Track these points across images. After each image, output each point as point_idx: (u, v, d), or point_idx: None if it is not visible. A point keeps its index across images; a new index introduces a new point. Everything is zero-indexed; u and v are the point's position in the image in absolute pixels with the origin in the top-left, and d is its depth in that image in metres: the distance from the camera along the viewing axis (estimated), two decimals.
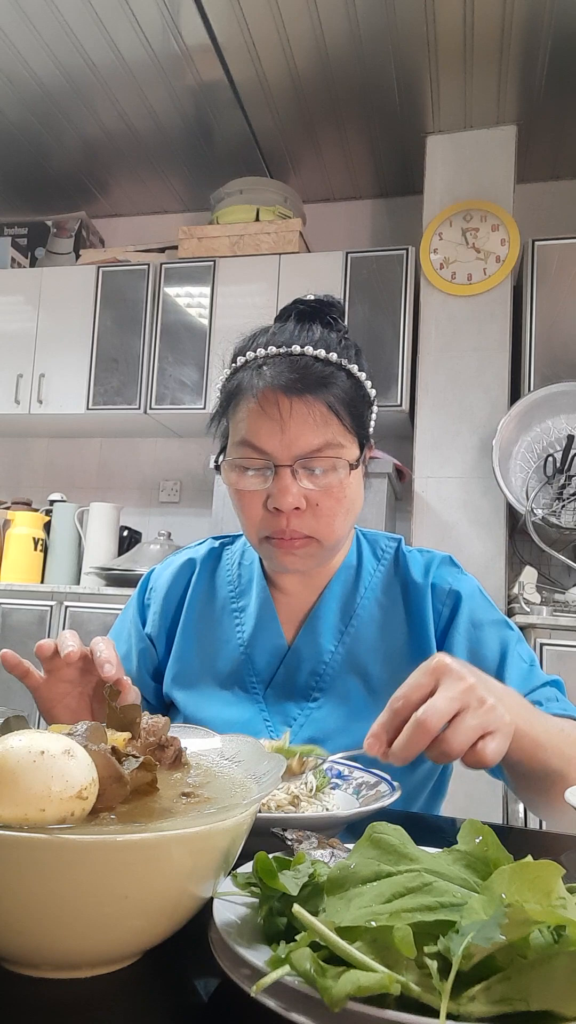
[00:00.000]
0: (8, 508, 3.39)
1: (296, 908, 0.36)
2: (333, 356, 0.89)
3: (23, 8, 2.75)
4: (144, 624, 1.07)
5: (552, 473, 2.86)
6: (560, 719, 0.83)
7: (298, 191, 3.60)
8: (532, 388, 2.93)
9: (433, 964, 0.33)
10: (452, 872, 0.39)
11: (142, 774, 0.44)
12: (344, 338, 0.93)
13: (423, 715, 0.63)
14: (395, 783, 0.71)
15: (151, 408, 3.35)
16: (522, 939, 0.33)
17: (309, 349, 0.89)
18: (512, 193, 3.08)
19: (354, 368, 0.91)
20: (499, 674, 0.91)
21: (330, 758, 0.75)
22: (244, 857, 0.45)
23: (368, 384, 0.93)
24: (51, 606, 3.05)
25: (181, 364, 3.34)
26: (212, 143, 3.45)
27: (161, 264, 3.44)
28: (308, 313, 0.95)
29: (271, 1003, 0.34)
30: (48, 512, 3.36)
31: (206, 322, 3.33)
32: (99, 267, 3.51)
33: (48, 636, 3.00)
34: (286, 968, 0.34)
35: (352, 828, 0.66)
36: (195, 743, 0.57)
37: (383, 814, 0.58)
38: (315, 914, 0.36)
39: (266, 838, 0.51)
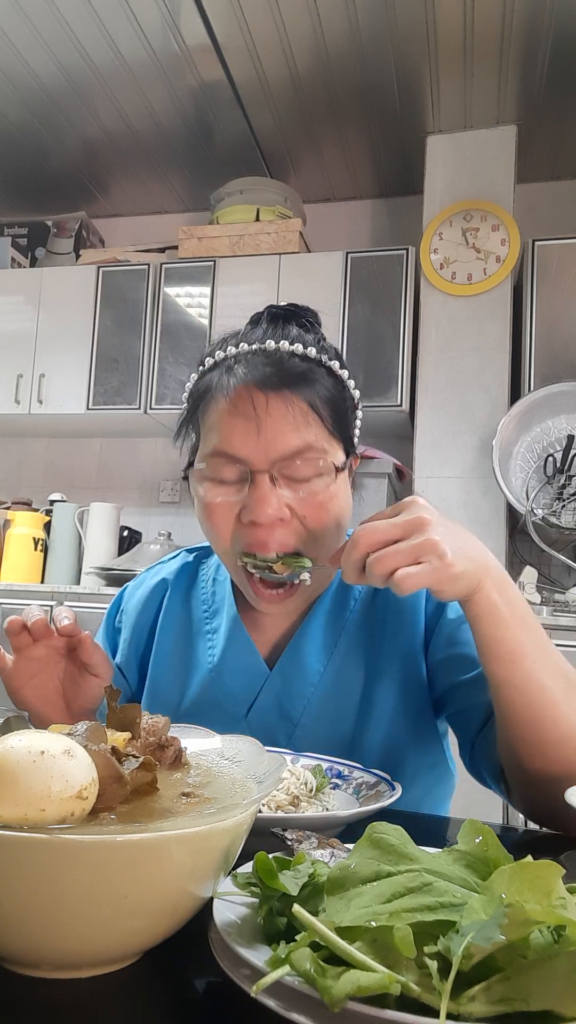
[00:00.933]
0: (8, 508, 3.39)
1: (296, 908, 0.36)
2: (312, 351, 0.81)
3: (23, 8, 2.75)
4: (114, 653, 1.00)
5: (552, 473, 2.86)
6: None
7: (298, 191, 3.60)
8: (532, 388, 2.93)
9: (433, 964, 0.33)
10: (452, 872, 0.39)
11: (142, 774, 0.44)
12: (322, 339, 0.86)
13: (358, 531, 0.65)
14: (395, 783, 0.71)
15: (151, 408, 3.35)
16: (522, 939, 0.33)
17: (285, 344, 0.81)
18: (512, 193, 3.08)
19: (335, 365, 0.83)
20: None
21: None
22: (244, 857, 0.44)
23: (351, 384, 0.86)
24: (51, 606, 3.05)
25: (181, 364, 3.34)
26: (212, 143, 3.45)
27: (161, 264, 3.44)
28: (282, 315, 0.87)
29: (271, 1003, 0.34)
30: (48, 512, 3.36)
31: (206, 322, 3.33)
32: (99, 267, 3.51)
33: None
34: (286, 968, 0.34)
35: (352, 828, 0.66)
36: (195, 743, 0.57)
37: (383, 814, 0.58)
38: (315, 914, 0.36)
39: (266, 838, 0.51)
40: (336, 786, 0.75)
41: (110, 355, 3.42)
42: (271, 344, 0.81)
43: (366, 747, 0.86)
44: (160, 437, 3.78)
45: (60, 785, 0.39)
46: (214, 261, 3.36)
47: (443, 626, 0.87)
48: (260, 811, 0.59)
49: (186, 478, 0.85)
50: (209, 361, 0.85)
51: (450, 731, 0.92)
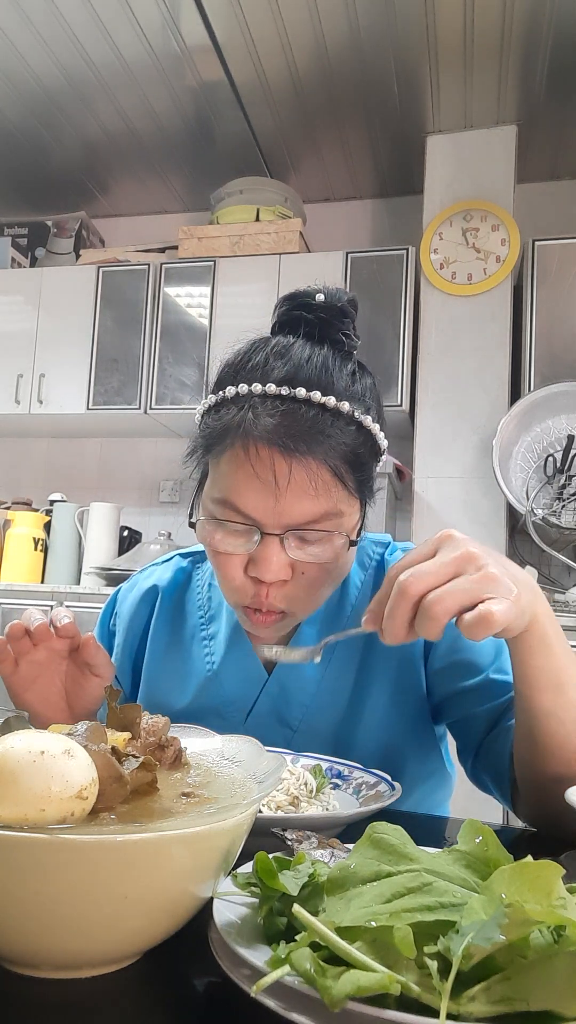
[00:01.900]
0: (8, 508, 3.39)
1: (296, 908, 0.36)
2: (345, 406, 0.74)
3: (23, 8, 2.75)
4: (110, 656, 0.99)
5: (552, 473, 2.86)
6: None
7: (298, 191, 3.60)
8: (532, 388, 2.93)
9: (433, 964, 0.33)
10: (452, 872, 0.39)
11: (142, 774, 0.44)
12: (358, 365, 0.79)
13: (405, 578, 0.56)
14: (395, 783, 0.71)
15: (151, 408, 3.35)
16: (522, 939, 0.33)
17: (317, 395, 0.73)
18: (512, 193, 3.08)
19: (368, 420, 0.76)
20: (496, 661, 0.84)
21: (329, 638, 0.72)
22: (244, 857, 0.44)
23: (381, 436, 0.79)
24: (51, 606, 3.05)
25: (181, 364, 3.34)
26: (212, 143, 3.45)
27: (161, 264, 3.44)
28: (318, 326, 0.78)
29: (271, 1003, 0.34)
30: (48, 512, 3.37)
31: (206, 322, 3.33)
32: (99, 267, 3.51)
33: None
34: (286, 968, 0.34)
35: (352, 828, 0.66)
36: (195, 743, 0.57)
37: (383, 814, 0.58)
38: (315, 914, 0.36)
39: (266, 838, 0.51)
40: (336, 786, 0.75)
41: (110, 355, 3.42)
42: (301, 392, 0.73)
43: (363, 754, 0.84)
44: (160, 437, 3.78)
45: (60, 785, 0.39)
46: (214, 261, 3.36)
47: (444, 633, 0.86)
48: (260, 811, 0.59)
49: (192, 524, 0.81)
50: (231, 391, 0.76)
51: (448, 734, 0.92)
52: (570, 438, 2.84)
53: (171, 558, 1.03)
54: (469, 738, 0.84)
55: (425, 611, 0.56)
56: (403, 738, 0.87)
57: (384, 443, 0.80)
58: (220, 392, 0.77)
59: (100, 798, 0.41)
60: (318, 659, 0.73)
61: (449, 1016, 0.31)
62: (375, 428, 0.78)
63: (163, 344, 3.37)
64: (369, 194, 3.74)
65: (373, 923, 0.34)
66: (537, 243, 3.03)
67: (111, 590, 3.02)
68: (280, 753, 0.75)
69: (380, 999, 0.32)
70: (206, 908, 0.42)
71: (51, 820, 0.38)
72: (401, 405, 3.05)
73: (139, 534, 3.49)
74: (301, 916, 0.35)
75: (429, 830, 0.76)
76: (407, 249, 3.18)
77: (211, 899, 0.43)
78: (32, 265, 3.80)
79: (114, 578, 3.04)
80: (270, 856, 0.41)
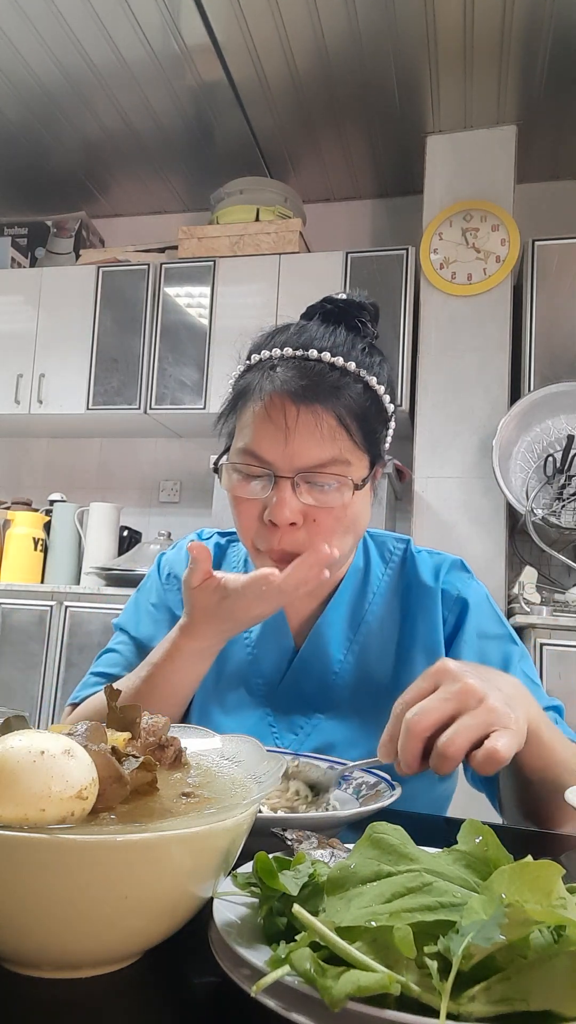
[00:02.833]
0: (8, 508, 3.39)
1: (296, 908, 0.36)
2: (351, 365, 0.83)
3: (23, 8, 2.75)
4: (171, 608, 1.01)
5: (552, 473, 2.86)
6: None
7: (298, 191, 3.60)
8: (532, 388, 2.93)
9: (433, 964, 0.33)
10: (452, 872, 0.39)
11: (142, 774, 0.44)
12: (370, 345, 0.88)
13: (410, 717, 0.61)
14: (395, 783, 0.71)
15: (151, 408, 3.35)
16: (522, 939, 0.33)
17: (327, 355, 0.82)
18: (512, 193, 3.08)
19: (372, 380, 0.85)
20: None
21: (350, 765, 0.75)
22: (244, 857, 0.44)
23: (387, 399, 0.87)
24: (51, 606, 3.05)
25: (181, 364, 3.34)
26: (212, 143, 3.45)
27: (161, 264, 3.44)
28: (334, 313, 0.89)
29: (271, 1003, 0.34)
30: (48, 512, 3.37)
31: (206, 322, 3.33)
32: (99, 267, 3.51)
33: (48, 636, 3.01)
34: (286, 968, 0.34)
35: (352, 828, 0.66)
36: (195, 743, 0.57)
37: (383, 814, 0.58)
38: (315, 914, 0.36)
39: (266, 838, 0.51)
40: (336, 786, 0.75)
41: (110, 355, 3.42)
42: (313, 352, 0.83)
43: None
44: (160, 437, 3.78)
45: (60, 785, 0.39)
46: (214, 261, 3.36)
47: (467, 640, 0.91)
48: (260, 811, 0.59)
49: (216, 469, 0.87)
50: (255, 357, 0.87)
51: None
52: (570, 438, 2.84)
53: (210, 536, 1.07)
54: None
55: (440, 753, 0.60)
56: None
57: (391, 406, 0.88)
58: (247, 361, 0.88)
59: (100, 798, 0.41)
60: (334, 788, 0.75)
61: (449, 1016, 0.31)
62: (381, 390, 0.86)
63: (163, 344, 3.38)
64: (369, 194, 3.74)
65: (373, 923, 0.34)
66: (537, 243, 3.03)
67: (111, 590, 3.04)
68: (281, 753, 0.75)
69: (380, 999, 0.32)
70: (206, 908, 0.42)
71: (51, 820, 0.38)
72: (401, 405, 3.05)
73: (139, 534, 3.49)
74: (301, 916, 0.35)
75: (429, 830, 0.76)
76: (407, 249, 3.18)
77: (211, 899, 0.43)
78: (32, 265, 3.80)
79: (114, 578, 3.04)
80: (270, 856, 0.41)
